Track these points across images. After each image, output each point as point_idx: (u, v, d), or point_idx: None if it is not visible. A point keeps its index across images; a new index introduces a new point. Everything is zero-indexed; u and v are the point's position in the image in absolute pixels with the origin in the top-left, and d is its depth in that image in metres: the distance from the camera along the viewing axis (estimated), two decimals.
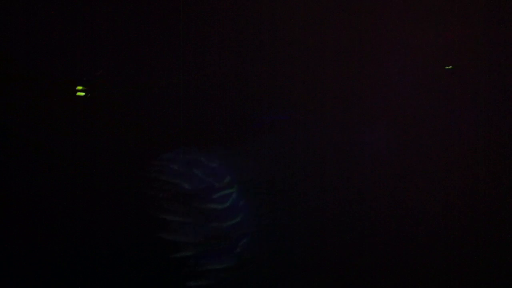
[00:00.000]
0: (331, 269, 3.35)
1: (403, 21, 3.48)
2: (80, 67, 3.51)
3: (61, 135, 3.43)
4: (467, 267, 3.28)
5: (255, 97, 3.54)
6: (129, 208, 3.28)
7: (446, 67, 3.39)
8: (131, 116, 3.52)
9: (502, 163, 3.35)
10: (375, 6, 3.49)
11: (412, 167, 3.44)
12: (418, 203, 3.39)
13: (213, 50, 3.54)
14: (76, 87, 3.49)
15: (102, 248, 3.23)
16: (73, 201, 3.33)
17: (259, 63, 3.53)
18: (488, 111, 3.42)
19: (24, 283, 3.24)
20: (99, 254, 3.23)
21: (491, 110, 3.42)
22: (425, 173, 3.43)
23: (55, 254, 3.25)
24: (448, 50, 3.47)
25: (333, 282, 3.34)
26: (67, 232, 3.29)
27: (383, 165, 3.45)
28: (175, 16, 3.53)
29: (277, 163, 3.48)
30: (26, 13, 3.48)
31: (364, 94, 3.52)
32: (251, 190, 3.42)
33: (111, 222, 3.27)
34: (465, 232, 3.31)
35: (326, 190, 3.45)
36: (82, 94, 3.48)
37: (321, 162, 3.49)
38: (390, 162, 3.45)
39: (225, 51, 3.54)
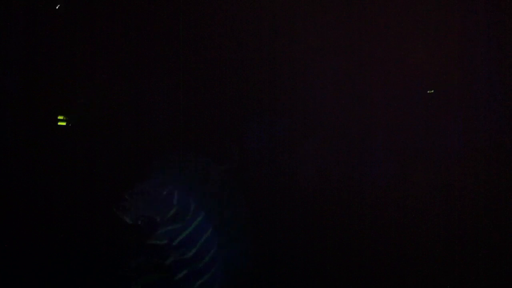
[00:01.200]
0: (331, 270, 3.36)
1: (403, 22, 3.49)
2: (80, 67, 3.52)
3: (59, 134, 3.44)
4: (467, 267, 3.29)
5: (255, 97, 3.54)
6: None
7: (428, 91, 3.42)
8: (130, 117, 3.53)
9: (503, 163, 3.36)
10: (376, 7, 3.50)
11: (413, 167, 3.45)
12: (418, 203, 3.40)
13: (213, 50, 3.55)
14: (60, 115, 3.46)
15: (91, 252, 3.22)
16: (66, 203, 3.34)
17: (259, 63, 3.53)
18: (488, 111, 3.43)
19: (23, 283, 3.23)
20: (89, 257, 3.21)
21: (491, 110, 3.43)
22: (425, 173, 3.43)
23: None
24: (449, 51, 3.48)
25: (333, 282, 3.35)
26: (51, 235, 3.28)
27: (383, 165, 3.46)
28: (175, 16, 3.53)
29: (277, 163, 3.49)
30: (25, 13, 3.49)
31: (364, 93, 3.53)
32: (249, 191, 3.42)
33: (105, 224, 3.26)
34: (465, 232, 3.32)
35: (326, 190, 3.46)
36: (63, 123, 3.45)
37: (321, 162, 3.50)
38: (390, 162, 3.47)
39: (225, 51, 3.54)
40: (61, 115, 3.42)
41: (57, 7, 3.30)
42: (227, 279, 3.09)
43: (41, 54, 3.51)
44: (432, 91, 3.43)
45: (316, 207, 3.44)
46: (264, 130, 3.55)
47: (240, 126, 3.54)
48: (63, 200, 3.37)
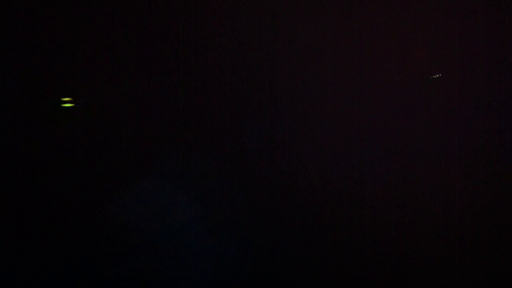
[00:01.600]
0: (330, 270, 3.36)
1: (403, 21, 3.49)
2: (79, 67, 3.52)
3: (59, 134, 3.44)
4: (467, 267, 3.29)
5: (255, 97, 3.54)
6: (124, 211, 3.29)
7: (434, 76, 3.39)
8: (130, 116, 3.53)
9: (503, 163, 3.35)
10: (376, 8, 3.50)
11: (413, 167, 3.45)
12: (418, 203, 3.40)
13: (213, 50, 3.55)
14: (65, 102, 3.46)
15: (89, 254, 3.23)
16: (66, 204, 3.35)
17: (259, 63, 3.53)
18: (488, 111, 3.43)
19: (23, 283, 3.24)
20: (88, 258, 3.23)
21: (491, 110, 3.43)
22: (425, 173, 3.43)
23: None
24: (449, 50, 3.48)
25: (333, 282, 3.35)
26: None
27: (383, 165, 3.47)
28: (175, 16, 3.53)
29: (277, 163, 3.49)
30: (24, 14, 3.49)
31: (364, 94, 3.53)
32: (248, 191, 3.42)
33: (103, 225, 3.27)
34: (465, 232, 3.32)
35: (326, 190, 3.46)
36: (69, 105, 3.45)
37: (321, 162, 3.50)
38: (390, 162, 3.47)
39: (225, 51, 3.54)
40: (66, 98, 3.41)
41: None
42: (227, 277, 3.10)
43: (41, 54, 3.51)
44: (439, 75, 3.40)
45: (316, 207, 3.44)
46: (264, 130, 3.54)
47: (240, 126, 3.54)
48: (63, 199, 3.37)
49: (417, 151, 3.48)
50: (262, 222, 3.39)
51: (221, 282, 3.05)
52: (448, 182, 3.40)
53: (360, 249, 3.39)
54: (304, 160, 3.51)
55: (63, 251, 3.30)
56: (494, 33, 3.44)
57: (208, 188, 3.30)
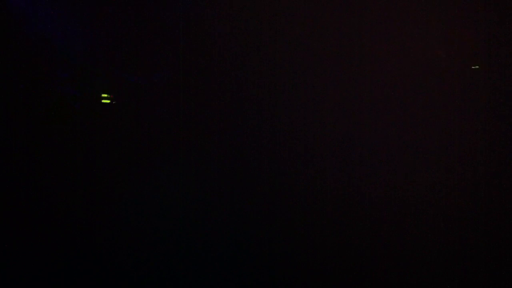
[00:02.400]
0: (331, 270, 3.36)
1: (403, 20, 3.48)
2: (80, 65, 3.52)
3: (59, 134, 3.44)
4: (467, 267, 3.29)
5: (255, 97, 3.54)
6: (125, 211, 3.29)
7: (473, 67, 3.36)
8: (130, 117, 3.53)
9: (503, 163, 3.35)
10: (376, 8, 3.50)
11: (413, 167, 3.45)
12: (418, 204, 3.40)
13: (213, 50, 3.54)
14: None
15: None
16: (68, 203, 3.35)
17: (259, 63, 3.53)
18: (488, 111, 3.42)
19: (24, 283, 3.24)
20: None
21: (491, 110, 3.42)
22: (425, 173, 3.43)
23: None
24: (449, 50, 3.47)
25: (333, 283, 3.35)
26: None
27: (383, 165, 3.46)
28: (175, 15, 3.53)
29: (276, 163, 3.49)
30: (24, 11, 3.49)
31: (364, 93, 3.53)
32: (248, 190, 3.42)
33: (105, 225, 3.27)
34: (466, 232, 3.32)
35: (326, 190, 3.46)
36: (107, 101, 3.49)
37: (321, 162, 3.49)
38: (390, 162, 3.46)
39: (225, 51, 3.54)
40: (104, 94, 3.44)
41: None
42: (226, 277, 3.10)
43: (40, 54, 3.51)
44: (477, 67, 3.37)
45: (316, 207, 3.44)
46: (264, 130, 3.55)
47: (240, 126, 3.54)
48: (63, 199, 3.38)
49: (417, 151, 3.47)
50: (262, 222, 3.39)
51: (220, 282, 3.05)
52: (448, 182, 3.40)
53: (360, 249, 3.39)
54: (304, 160, 3.51)
55: (63, 251, 3.30)
56: (494, 33, 3.43)
57: (207, 188, 3.30)
